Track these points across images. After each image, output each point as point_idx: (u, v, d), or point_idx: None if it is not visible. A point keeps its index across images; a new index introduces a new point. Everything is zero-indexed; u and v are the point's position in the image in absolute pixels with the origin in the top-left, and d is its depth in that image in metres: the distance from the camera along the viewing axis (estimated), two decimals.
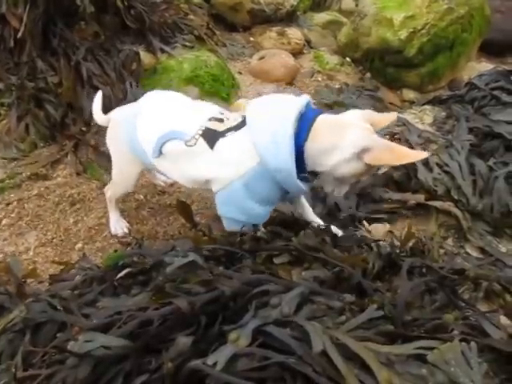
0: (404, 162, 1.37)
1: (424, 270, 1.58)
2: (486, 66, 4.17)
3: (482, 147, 2.30)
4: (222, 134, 1.53)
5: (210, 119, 1.58)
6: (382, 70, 3.65)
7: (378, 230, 2.05)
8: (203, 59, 3.11)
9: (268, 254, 1.51)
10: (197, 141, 1.53)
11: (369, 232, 2.03)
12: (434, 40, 3.38)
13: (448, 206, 2.00)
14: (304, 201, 1.85)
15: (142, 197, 2.40)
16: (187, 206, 1.89)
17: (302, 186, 1.49)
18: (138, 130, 1.69)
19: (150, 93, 1.82)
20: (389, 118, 1.53)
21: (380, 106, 3.37)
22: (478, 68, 3.99)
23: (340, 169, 1.44)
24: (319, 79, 3.73)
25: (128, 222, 2.19)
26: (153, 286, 1.29)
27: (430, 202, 2.02)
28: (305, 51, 4.07)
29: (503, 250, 1.89)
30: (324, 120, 1.45)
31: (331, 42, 4.30)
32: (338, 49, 4.09)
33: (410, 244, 1.81)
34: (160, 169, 1.73)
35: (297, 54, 3.93)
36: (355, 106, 3.28)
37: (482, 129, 2.38)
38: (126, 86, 3.00)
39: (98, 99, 2.03)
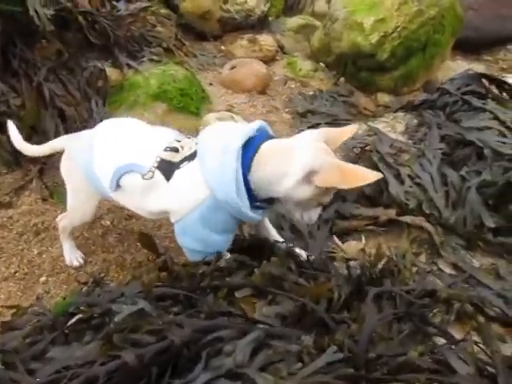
0: (355, 184, 1.27)
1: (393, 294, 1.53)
2: (461, 64, 4.14)
3: (454, 156, 2.26)
4: (177, 165, 1.49)
5: (165, 149, 1.53)
6: (356, 75, 3.60)
7: (351, 247, 1.99)
8: (170, 73, 3.03)
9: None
10: (153, 174, 1.49)
11: (341, 250, 1.98)
12: (406, 43, 3.33)
13: (419, 220, 1.95)
14: (266, 222, 1.79)
15: (108, 223, 2.32)
16: (149, 238, 1.82)
17: (255, 215, 1.45)
18: (94, 161, 1.64)
19: (105, 121, 1.77)
20: (347, 131, 1.47)
21: (354, 112, 3.32)
22: (453, 67, 3.95)
23: (294, 194, 1.39)
24: (292, 86, 3.66)
25: (94, 251, 2.12)
26: (103, 334, 1.22)
27: (400, 218, 1.97)
28: (278, 57, 4.00)
29: (476, 264, 1.84)
30: (269, 147, 1.40)
31: (305, 47, 4.22)
32: (311, 54, 4.03)
33: (381, 264, 1.76)
34: (118, 201, 1.69)
35: (269, 60, 3.86)
36: (329, 114, 3.23)
37: (453, 136, 2.34)
38: (92, 104, 2.91)
39: (12, 132, 1.95)
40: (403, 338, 1.41)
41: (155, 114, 2.88)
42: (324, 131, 1.45)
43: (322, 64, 3.84)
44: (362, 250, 1.94)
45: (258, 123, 1.47)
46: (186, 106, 2.98)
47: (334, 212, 2.04)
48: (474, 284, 1.73)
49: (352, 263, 1.85)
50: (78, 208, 1.87)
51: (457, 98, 2.53)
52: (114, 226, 2.33)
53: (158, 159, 1.50)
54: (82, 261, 2.05)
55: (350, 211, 2.04)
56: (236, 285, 1.42)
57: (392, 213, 1.99)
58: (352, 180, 1.27)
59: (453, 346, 1.42)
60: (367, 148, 2.36)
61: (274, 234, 1.80)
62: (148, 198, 1.55)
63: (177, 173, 1.48)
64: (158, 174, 1.49)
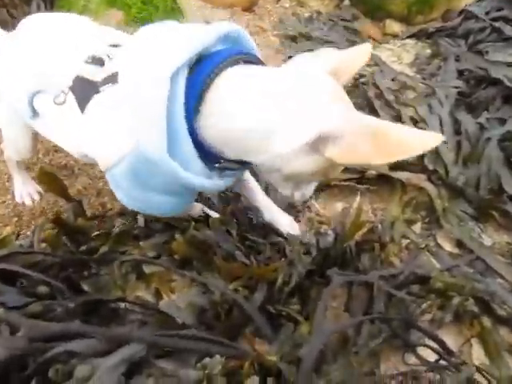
0: (397, 158, 0.69)
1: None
2: None
3: (472, 97, 1.74)
4: (97, 87, 0.93)
5: (87, 59, 0.97)
6: None
7: (335, 210, 1.53)
8: None
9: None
10: (66, 97, 0.97)
11: (318, 215, 1.52)
12: None
13: (418, 178, 1.48)
14: (249, 181, 1.25)
15: None
16: (52, 177, 1.35)
17: (209, 183, 0.89)
18: (6, 77, 1.12)
19: (30, 17, 1.18)
20: (362, 53, 0.88)
21: (357, 40, 2.75)
22: None
23: (287, 166, 0.82)
24: (286, 5, 3.07)
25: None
26: None
27: (393, 174, 1.49)
28: None
29: (488, 242, 1.38)
30: (238, 77, 0.82)
31: None
32: None
33: (360, 235, 1.31)
34: (41, 133, 1.17)
35: None
36: (326, 40, 2.67)
37: (475, 72, 1.81)
38: (32, 7, 2.37)
39: None
40: (375, 350, 0.99)
41: (109, 25, 2.32)
42: (332, 57, 0.85)
43: None
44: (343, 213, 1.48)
45: (225, 27, 0.87)
46: (149, 17, 2.42)
47: None
48: (482, 269, 1.29)
49: (325, 230, 1.41)
50: (11, 141, 1.39)
51: (484, 25, 1.98)
52: (39, 159, 1.86)
53: (74, 76, 0.97)
54: (36, 197, 1.59)
55: None
56: (140, 259, 0.97)
57: (383, 165, 1.51)
58: (394, 152, 0.69)
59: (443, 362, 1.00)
60: (362, 80, 1.84)
61: (261, 198, 1.27)
62: (63, 132, 1.05)
63: (95, 100, 0.93)
64: (72, 100, 0.97)
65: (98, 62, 0.96)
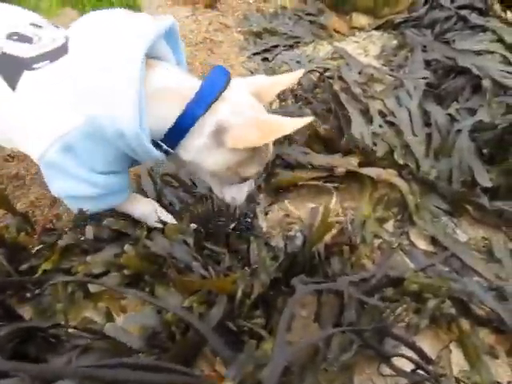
0: (270, 138, 0.88)
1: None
2: None
3: (441, 88, 1.69)
4: (29, 64, 0.94)
5: (9, 36, 0.98)
6: None
7: (306, 210, 1.44)
8: None
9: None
10: None
11: (288, 216, 1.43)
12: None
13: (388, 174, 1.41)
14: None
15: None
16: None
17: (157, 152, 0.93)
18: None
19: None
20: (283, 81, 0.99)
21: (322, 34, 2.68)
22: None
23: (202, 161, 0.95)
24: (250, 1, 2.97)
25: None
26: None
27: (362, 170, 1.41)
28: None
29: (463, 238, 1.32)
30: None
31: None
32: None
33: (330, 237, 1.24)
34: None
35: None
36: (291, 35, 2.59)
37: (442, 62, 1.75)
38: None
39: None
40: (348, 363, 0.91)
41: (63, 25, 2.20)
42: (253, 80, 0.98)
43: None
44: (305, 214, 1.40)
45: (168, 22, 0.95)
46: None
47: (274, 157, 1.47)
48: (458, 267, 1.22)
49: (295, 231, 1.33)
50: None
51: (450, 13, 1.93)
52: None
53: None
54: None
55: (295, 158, 1.47)
56: (81, 280, 0.86)
57: (352, 162, 1.43)
58: (267, 133, 0.87)
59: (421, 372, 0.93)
60: (327, 74, 1.77)
61: None
62: None
63: (26, 77, 0.93)
64: None
65: (25, 39, 0.97)
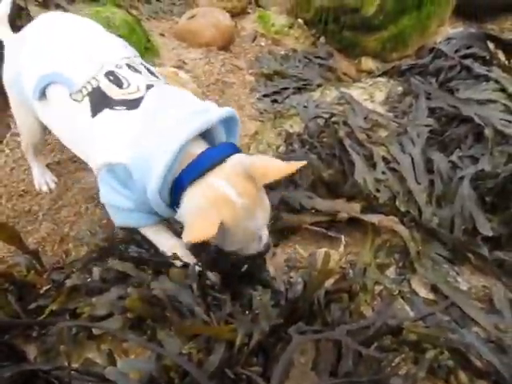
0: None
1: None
2: None
3: (444, 135, 1.73)
4: (112, 104, 1.17)
5: (107, 75, 1.20)
6: (338, 34, 3.03)
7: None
8: (105, 16, 2.45)
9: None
10: (83, 98, 1.20)
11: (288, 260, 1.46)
12: None
13: (390, 221, 1.43)
14: None
15: None
16: (8, 228, 1.29)
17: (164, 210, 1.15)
18: (21, 62, 1.35)
19: (43, 15, 1.45)
20: (281, 170, 1.07)
21: (331, 77, 2.76)
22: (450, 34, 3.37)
23: None
24: (262, 44, 3.09)
25: None
26: None
27: (364, 217, 1.44)
28: (249, 10, 3.41)
29: (464, 286, 1.33)
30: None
31: (284, 1, 3.62)
32: (290, 9, 3.43)
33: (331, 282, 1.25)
34: (42, 117, 1.39)
35: (239, 13, 3.29)
36: (300, 78, 2.67)
37: (446, 110, 1.80)
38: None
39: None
40: None
41: None
42: (250, 164, 1.08)
43: (299, 20, 3.24)
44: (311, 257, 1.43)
45: (225, 112, 1.16)
46: None
47: (279, 201, 1.51)
48: (458, 317, 1.23)
49: (294, 279, 1.35)
50: (21, 125, 1.63)
51: (454, 63, 1.99)
52: (1, 204, 1.79)
53: (95, 85, 1.19)
54: (53, 185, 1.81)
55: (300, 201, 1.51)
56: (85, 325, 0.90)
57: (355, 208, 1.47)
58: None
59: None
60: (334, 119, 1.82)
61: None
62: (72, 122, 1.25)
63: (106, 113, 1.17)
64: (86, 102, 1.19)
65: (118, 82, 1.19)
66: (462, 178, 1.54)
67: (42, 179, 1.80)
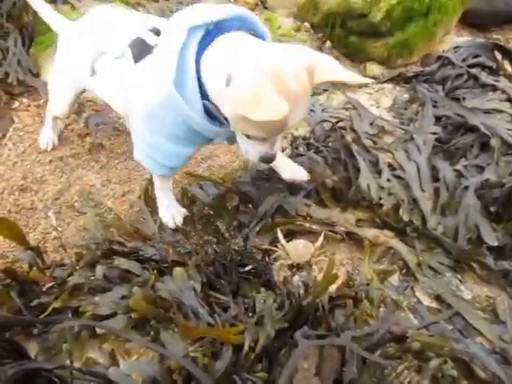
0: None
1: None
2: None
3: (450, 144, 1.72)
4: (150, 49, 1.26)
5: (151, 29, 1.30)
6: (344, 39, 3.02)
7: (299, 250, 1.44)
8: None
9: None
10: (124, 51, 1.32)
11: (286, 254, 1.44)
12: (406, 3, 2.75)
13: (384, 237, 1.42)
14: (280, 157, 1.49)
15: None
16: (9, 224, 1.28)
17: (212, 126, 1.21)
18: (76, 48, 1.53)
19: (98, 7, 1.63)
20: (345, 76, 1.15)
21: (337, 83, 2.75)
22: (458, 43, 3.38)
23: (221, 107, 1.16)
24: None
25: None
26: None
27: (358, 230, 1.43)
28: (256, 12, 3.39)
29: (467, 295, 1.33)
30: (233, 37, 1.14)
31: (292, 4, 3.62)
32: (297, 12, 3.43)
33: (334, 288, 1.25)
34: (95, 91, 1.56)
35: None
36: None
37: (452, 118, 1.80)
38: (9, 42, 2.34)
39: None
40: None
41: None
42: (315, 59, 1.10)
43: (306, 24, 3.24)
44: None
45: (239, 10, 1.20)
46: None
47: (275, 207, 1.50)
48: (462, 326, 1.22)
49: (295, 282, 1.34)
50: (54, 96, 1.78)
51: (461, 71, 1.99)
52: (3, 199, 1.78)
53: (134, 37, 1.30)
54: (51, 145, 1.96)
55: (296, 208, 1.50)
56: (87, 324, 0.89)
57: (350, 220, 1.45)
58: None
59: None
60: (340, 124, 1.82)
61: (286, 167, 1.53)
62: (117, 82, 1.37)
63: (146, 58, 1.27)
64: (129, 55, 1.30)
65: (155, 31, 1.28)
66: (467, 188, 1.54)
67: (46, 137, 1.95)
